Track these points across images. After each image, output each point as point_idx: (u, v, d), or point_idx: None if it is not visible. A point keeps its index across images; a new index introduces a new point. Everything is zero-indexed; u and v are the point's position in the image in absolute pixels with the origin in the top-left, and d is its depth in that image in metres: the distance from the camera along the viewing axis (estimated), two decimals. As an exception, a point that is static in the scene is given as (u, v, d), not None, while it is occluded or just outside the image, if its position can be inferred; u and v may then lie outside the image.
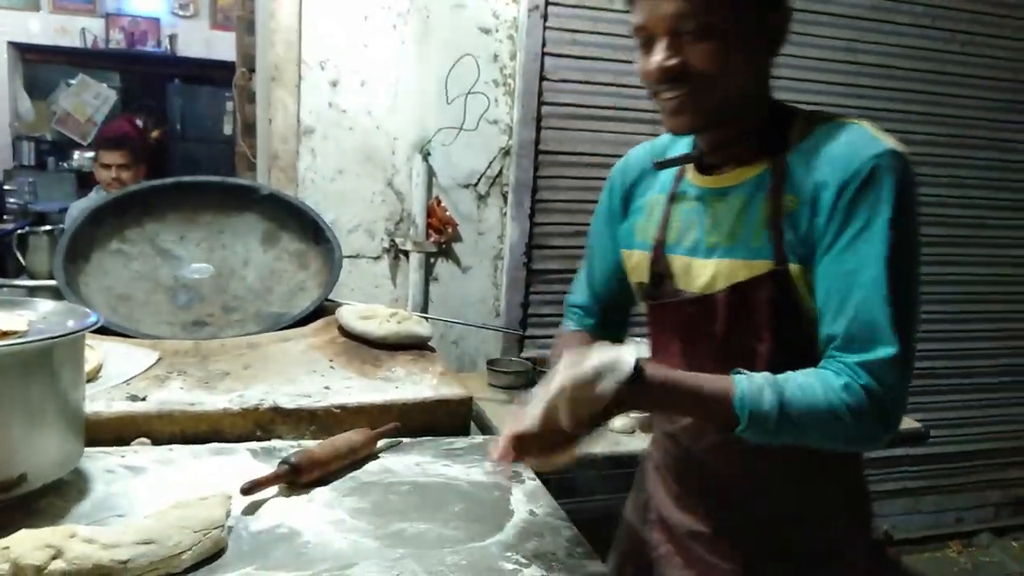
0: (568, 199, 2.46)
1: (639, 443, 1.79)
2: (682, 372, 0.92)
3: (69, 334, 0.91)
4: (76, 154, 7.78)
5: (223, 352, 1.39)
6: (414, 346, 1.54)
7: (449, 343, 2.45)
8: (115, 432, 1.11)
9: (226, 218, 1.85)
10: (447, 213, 2.37)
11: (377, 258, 2.36)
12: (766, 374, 0.89)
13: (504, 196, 2.42)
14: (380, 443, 1.14)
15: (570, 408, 0.80)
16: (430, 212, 2.34)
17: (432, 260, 2.40)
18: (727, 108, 0.94)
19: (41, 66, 7.84)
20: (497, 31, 2.34)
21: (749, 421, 0.85)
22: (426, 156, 2.31)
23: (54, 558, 0.73)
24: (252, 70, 4.08)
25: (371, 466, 1.09)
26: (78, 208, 3.73)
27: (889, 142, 0.90)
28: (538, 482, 1.07)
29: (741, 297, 0.96)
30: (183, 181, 1.84)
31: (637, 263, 1.12)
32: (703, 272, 1.01)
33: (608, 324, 1.23)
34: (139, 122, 7.12)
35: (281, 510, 0.94)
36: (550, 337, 2.51)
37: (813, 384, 0.86)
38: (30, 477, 0.87)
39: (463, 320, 2.31)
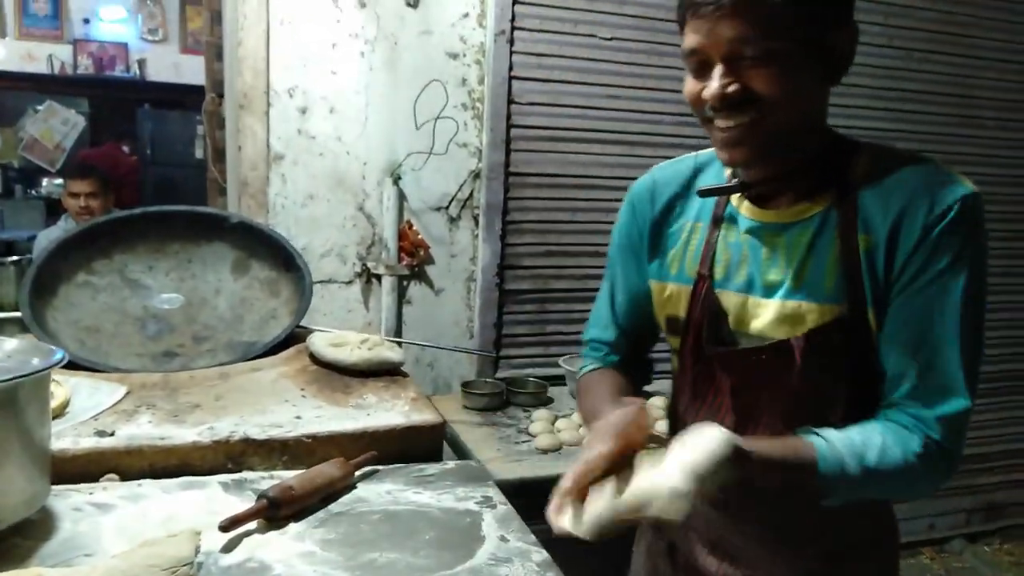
0: (538, 219, 2.49)
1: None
2: (764, 442, 0.86)
3: (33, 373, 0.91)
4: (45, 181, 7.71)
5: (193, 384, 1.39)
6: (386, 372, 1.54)
7: (424, 366, 2.46)
8: (83, 469, 1.10)
9: (195, 247, 1.85)
10: (419, 236, 2.38)
11: (349, 282, 2.36)
12: (842, 436, 0.86)
13: (475, 218, 2.44)
14: (356, 473, 1.14)
15: (697, 496, 0.74)
16: (402, 236, 2.36)
17: (405, 283, 2.41)
18: (787, 138, 0.89)
19: (7, 92, 7.76)
20: (465, 56, 2.37)
21: (834, 492, 0.85)
22: (396, 180, 2.32)
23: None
24: (222, 95, 4.09)
25: (344, 499, 1.09)
26: (47, 237, 3.70)
27: (969, 184, 0.87)
28: (509, 506, 1.08)
29: (818, 343, 0.91)
30: (150, 211, 1.83)
31: (672, 297, 1.05)
32: (762, 313, 0.96)
33: (633, 361, 1.17)
34: (125, 148, 7.07)
35: (252, 544, 0.93)
36: (524, 357, 2.53)
37: (891, 446, 0.86)
38: (5, 514, 0.86)
39: (436, 343, 2.32)
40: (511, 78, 2.39)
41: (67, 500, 1.02)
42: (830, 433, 0.87)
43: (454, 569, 0.89)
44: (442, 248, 2.43)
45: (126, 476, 1.13)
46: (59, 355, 0.97)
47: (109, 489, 1.08)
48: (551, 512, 0.80)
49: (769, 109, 0.85)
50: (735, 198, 1.00)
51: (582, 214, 2.50)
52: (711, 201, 1.02)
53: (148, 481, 1.11)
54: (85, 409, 1.23)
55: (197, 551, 0.86)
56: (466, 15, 2.35)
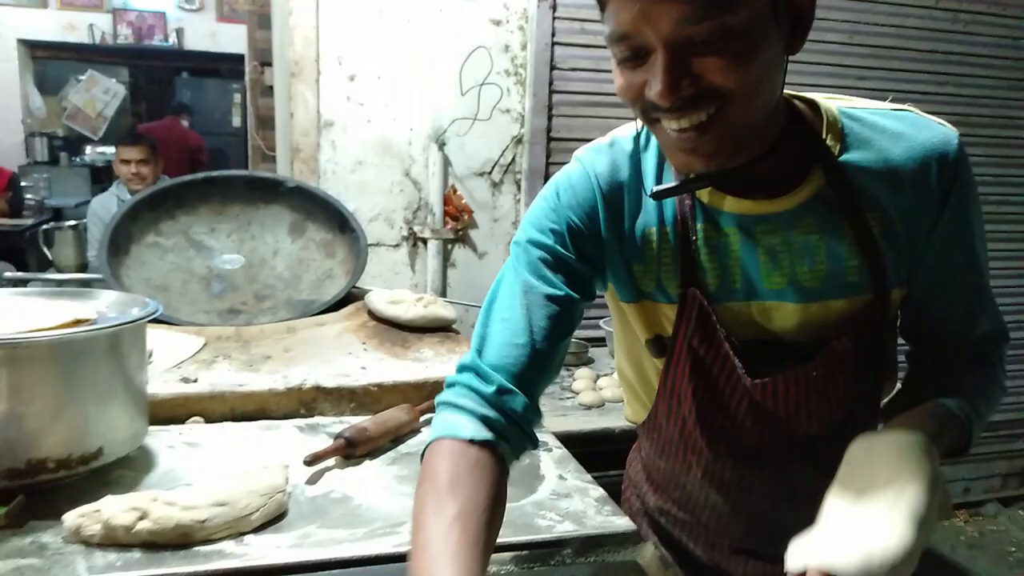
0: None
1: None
2: (926, 425, 0.74)
3: (136, 320, 1.00)
4: (88, 149, 7.89)
5: (263, 337, 1.48)
6: (440, 328, 1.62)
7: (467, 327, 2.52)
8: (170, 412, 1.20)
9: (254, 210, 1.94)
10: (463, 201, 2.44)
11: (396, 246, 2.44)
12: (958, 398, 0.80)
13: (517, 183, 2.49)
14: (420, 419, 1.22)
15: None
16: (446, 200, 2.42)
17: (449, 247, 2.48)
18: (754, 128, 0.73)
19: (50, 62, 7.93)
20: (508, 22, 2.40)
21: (973, 438, 0.80)
22: (442, 146, 2.38)
23: (140, 519, 0.82)
24: (265, 64, 4.16)
25: (411, 439, 1.18)
26: (100, 203, 3.83)
27: (949, 126, 0.80)
28: (564, 450, 1.16)
29: (865, 341, 0.83)
30: (212, 176, 1.92)
31: (654, 317, 0.88)
32: (777, 317, 0.83)
33: (534, 396, 0.82)
34: (184, 123, 7.21)
35: (334, 478, 1.02)
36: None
37: (990, 388, 0.87)
38: (106, 451, 0.96)
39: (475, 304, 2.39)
40: (554, 44, 2.42)
41: (160, 439, 1.12)
42: (944, 399, 0.80)
43: (520, 502, 0.97)
44: (485, 212, 2.49)
45: (210, 419, 1.22)
46: (154, 305, 1.06)
47: (196, 430, 1.17)
48: None
49: (729, 102, 0.68)
50: (706, 194, 0.81)
51: (623, 179, 2.54)
52: (670, 200, 0.82)
53: (229, 424, 1.21)
54: (168, 358, 1.33)
55: (287, 481, 0.94)
56: (510, -19, 2.37)
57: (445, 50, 2.34)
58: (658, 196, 0.79)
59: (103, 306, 1.06)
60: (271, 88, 4.28)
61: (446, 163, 2.40)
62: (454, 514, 0.67)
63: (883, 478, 0.66)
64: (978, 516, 3.33)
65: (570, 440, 1.24)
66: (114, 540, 0.82)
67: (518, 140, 2.46)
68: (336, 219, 1.91)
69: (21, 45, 7.37)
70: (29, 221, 5.50)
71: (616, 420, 1.82)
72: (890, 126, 0.79)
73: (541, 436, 1.20)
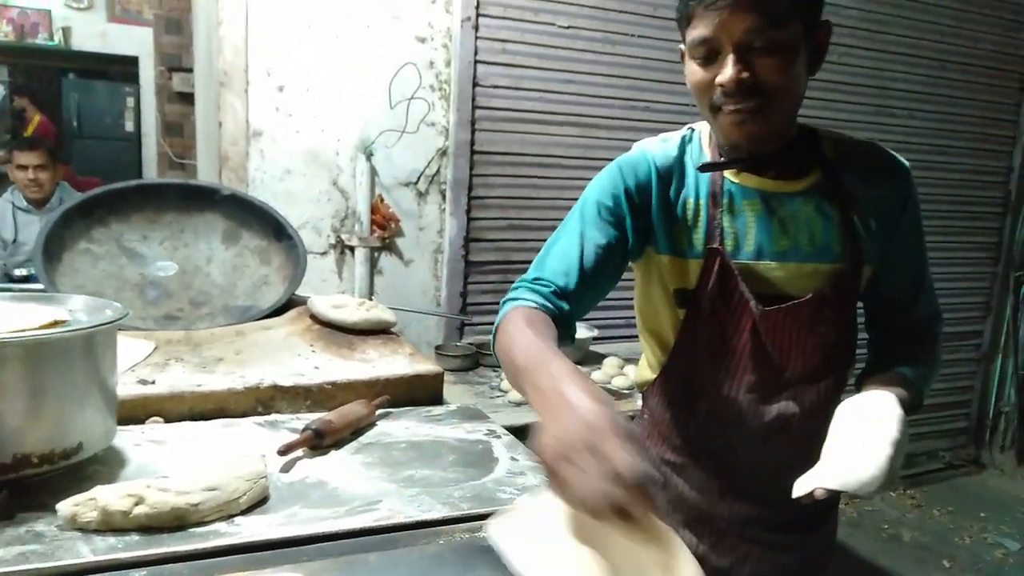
0: (502, 195, 2.67)
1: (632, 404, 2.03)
2: (890, 391, 1.04)
3: (110, 323, 1.04)
4: (-40, 151, 7.36)
5: (213, 340, 1.52)
6: (381, 331, 1.70)
7: (403, 331, 2.62)
8: (130, 412, 1.23)
9: (187, 218, 1.95)
10: (390, 210, 2.53)
11: (324, 253, 2.49)
12: (909, 366, 1.12)
13: (442, 193, 2.60)
14: (376, 412, 1.31)
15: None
16: (374, 209, 2.50)
17: (376, 254, 2.56)
18: (785, 122, 1.03)
19: (-78, 59, 7.37)
20: (432, 39, 2.51)
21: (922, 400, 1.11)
22: (369, 157, 2.46)
23: (137, 504, 0.87)
24: (173, 69, 4.09)
25: (369, 432, 1.26)
26: (-8, 209, 3.64)
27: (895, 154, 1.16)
28: (511, 436, 1.27)
29: (842, 293, 1.11)
30: (145, 183, 1.93)
31: (684, 270, 1.13)
32: (776, 275, 1.10)
33: (576, 314, 1.09)
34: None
35: (305, 467, 1.10)
36: (489, 324, 2.70)
37: (932, 356, 1.20)
38: (85, 447, 0.99)
39: (413, 308, 2.48)
40: (476, 62, 2.55)
41: (125, 438, 1.15)
42: (900, 368, 1.12)
43: (481, 480, 1.08)
44: (411, 221, 2.58)
45: (168, 419, 1.26)
46: (123, 308, 1.10)
47: (158, 429, 1.21)
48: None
49: (774, 96, 0.97)
50: (729, 174, 1.11)
51: (542, 190, 2.70)
52: (706, 179, 1.11)
53: (189, 423, 1.25)
54: (121, 362, 1.35)
55: (266, 468, 1.01)
56: (433, 1, 2.49)
57: (374, 65, 2.42)
58: (703, 169, 1.10)
59: (73, 309, 1.09)
60: (178, 94, 4.22)
61: (373, 173, 2.48)
62: (535, 332, 0.93)
63: (869, 424, 0.97)
64: (856, 498, 3.67)
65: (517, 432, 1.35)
66: (111, 525, 0.87)
67: (443, 152, 2.57)
68: (271, 227, 1.96)
69: None
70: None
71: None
72: (863, 149, 1.14)
73: (489, 426, 1.32)
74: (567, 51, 2.67)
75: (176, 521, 0.89)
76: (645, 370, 1.31)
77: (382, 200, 2.50)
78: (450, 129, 2.56)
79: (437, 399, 1.49)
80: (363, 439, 1.24)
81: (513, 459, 1.17)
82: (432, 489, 1.04)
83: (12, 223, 3.58)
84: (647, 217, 1.12)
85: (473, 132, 2.59)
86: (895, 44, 3.27)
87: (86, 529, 0.87)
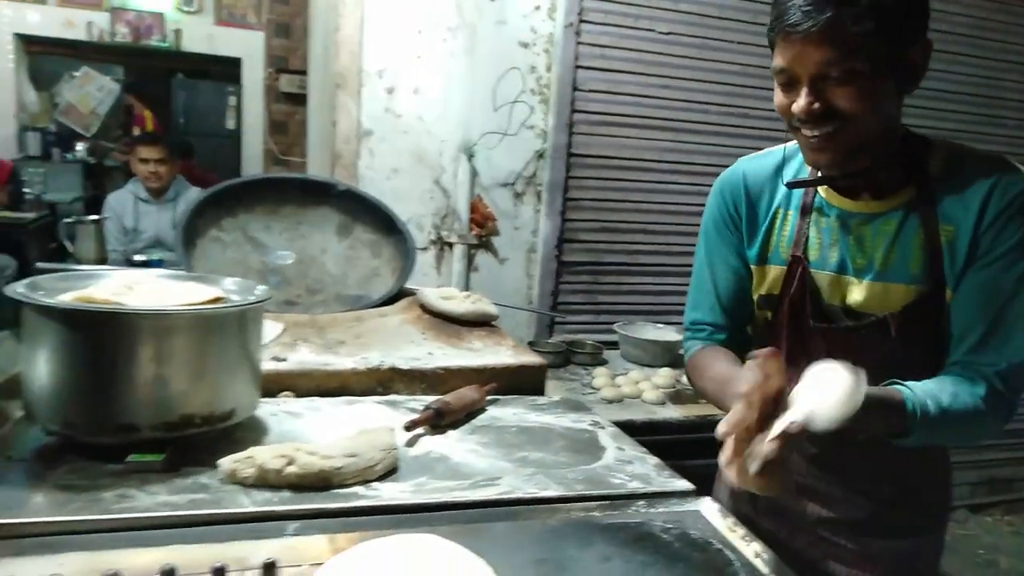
0: (596, 197, 2.72)
1: (670, 412, 2.05)
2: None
3: (260, 301, 1.15)
4: (79, 145, 7.91)
5: (335, 324, 1.63)
6: (484, 323, 1.78)
7: (503, 323, 2.70)
8: (265, 386, 1.34)
9: (304, 211, 2.09)
10: (488, 209, 2.61)
11: (424, 249, 2.60)
12: (922, 385, 1.01)
13: (538, 195, 2.67)
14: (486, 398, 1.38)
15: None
16: (473, 208, 2.59)
17: (473, 252, 2.65)
18: (866, 144, 1.01)
19: (44, 58, 7.94)
20: (535, 45, 2.59)
21: (917, 428, 0.99)
22: (470, 157, 2.55)
23: (288, 464, 0.97)
24: (281, 71, 4.31)
25: (481, 416, 1.34)
26: (116, 199, 3.94)
27: None
28: (616, 428, 1.33)
29: (910, 318, 1.07)
30: (269, 177, 2.07)
31: (769, 277, 1.18)
32: (854, 290, 1.11)
33: (736, 340, 1.25)
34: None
35: (426, 443, 1.18)
36: (577, 323, 2.77)
37: (961, 393, 1.02)
38: (237, 412, 1.10)
39: (508, 304, 2.56)
40: (576, 67, 2.61)
41: (263, 409, 1.26)
42: (910, 383, 1.02)
43: (591, 465, 1.13)
44: (507, 221, 2.66)
45: (298, 394, 1.37)
46: (267, 290, 1.21)
47: (290, 403, 1.32)
48: (723, 464, 0.89)
49: (849, 122, 0.98)
50: (822, 189, 1.14)
51: (634, 194, 2.74)
52: (799, 191, 1.16)
53: (317, 398, 1.36)
54: (256, 340, 1.47)
55: (395, 440, 1.10)
56: (537, 7, 2.56)
57: (478, 69, 2.52)
58: (791, 186, 1.15)
59: (226, 289, 1.21)
60: (284, 94, 4.45)
61: (474, 174, 2.57)
62: (720, 362, 1.18)
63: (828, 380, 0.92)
64: (951, 521, 3.55)
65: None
66: (265, 481, 0.97)
67: (540, 155, 2.64)
68: (382, 221, 2.07)
69: (17, 39, 7.37)
70: (31, 215, 5.56)
71: (635, 413, 2.00)
72: (982, 166, 1.05)
73: (593, 417, 1.38)
74: (665, 56, 2.70)
75: (321, 482, 0.98)
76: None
77: (481, 200, 2.59)
78: (548, 132, 2.63)
79: (539, 390, 1.56)
80: (476, 422, 1.31)
81: (619, 448, 1.23)
82: (546, 470, 1.11)
83: (133, 212, 3.85)
84: (741, 228, 1.21)
85: (570, 135, 2.65)
86: (1008, 52, 3.15)
87: (244, 483, 0.97)
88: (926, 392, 1.01)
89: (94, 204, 6.61)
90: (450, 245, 2.60)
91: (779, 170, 1.18)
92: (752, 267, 1.21)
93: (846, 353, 1.06)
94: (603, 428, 1.33)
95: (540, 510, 0.99)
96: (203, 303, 1.09)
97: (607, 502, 1.02)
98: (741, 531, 0.95)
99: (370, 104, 2.44)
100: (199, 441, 1.07)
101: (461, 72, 2.51)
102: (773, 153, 1.21)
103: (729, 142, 2.74)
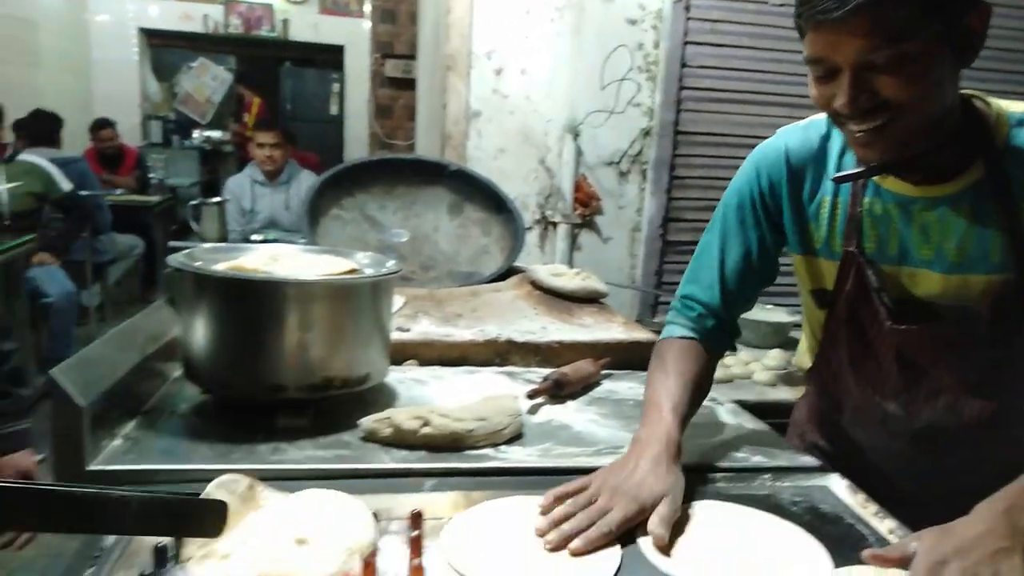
0: (703, 176, 2.68)
1: (782, 394, 2.02)
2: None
3: (392, 273, 1.21)
4: (196, 133, 8.39)
5: (452, 298, 1.69)
6: (593, 300, 1.80)
7: (611, 301, 2.72)
8: (390, 356, 1.41)
9: (418, 191, 2.16)
10: (592, 188, 2.62)
11: (529, 228, 2.63)
12: None
13: (643, 173, 2.65)
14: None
15: None
16: (577, 187, 2.60)
17: (576, 231, 2.66)
18: (921, 132, 0.86)
19: (164, 50, 8.44)
20: (643, 21, 2.56)
21: None
22: (576, 137, 2.56)
23: (424, 425, 1.02)
24: (387, 56, 4.43)
25: (597, 389, 1.36)
26: (235, 182, 4.16)
27: None
28: (735, 405, 1.32)
29: (1000, 311, 0.94)
30: (385, 158, 2.16)
31: (820, 271, 1.06)
32: (923, 283, 0.97)
33: (726, 328, 1.13)
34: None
35: (547, 412, 1.21)
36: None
37: None
38: (371, 377, 1.17)
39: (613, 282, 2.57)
40: (685, 43, 2.57)
41: (392, 376, 1.33)
42: None
43: (711, 439, 1.14)
44: (611, 200, 2.66)
45: (421, 362, 1.43)
46: (397, 263, 1.27)
47: (415, 371, 1.39)
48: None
49: (901, 112, 0.83)
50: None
51: (743, 172, 2.67)
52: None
53: (439, 367, 1.42)
54: (380, 312, 1.55)
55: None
56: (645, -17, 2.53)
57: (586, 48, 2.51)
58: (839, 180, 0.98)
59: (359, 262, 1.28)
60: (390, 79, 4.57)
61: (578, 153, 2.58)
62: (673, 374, 1.04)
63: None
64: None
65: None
66: (402, 441, 1.03)
67: (646, 132, 2.62)
68: (492, 201, 2.12)
69: (140, 33, 7.85)
70: (155, 198, 5.95)
71: (746, 393, 1.97)
72: None
73: (713, 395, 1.37)
74: (777, 29, 2.61)
75: (453, 443, 1.03)
76: (804, 355, 1.24)
77: (585, 179, 2.60)
78: (655, 109, 2.61)
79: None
80: (592, 394, 1.34)
81: (740, 424, 1.22)
82: (668, 441, 1.12)
83: (250, 194, 4.07)
84: (779, 216, 1.07)
85: (678, 112, 2.61)
86: None
87: (382, 442, 1.03)
88: None
89: (210, 188, 7.03)
90: (554, 224, 2.63)
91: (822, 146, 1.02)
92: (796, 257, 1.09)
93: (922, 354, 0.99)
94: (721, 404, 1.33)
95: (665, 479, 1.00)
96: (341, 274, 1.15)
97: (732, 474, 1.03)
98: (873, 507, 0.93)
99: (478, 85, 2.48)
100: (338, 404, 1.14)
101: (568, 51, 2.51)
102: (814, 124, 1.03)
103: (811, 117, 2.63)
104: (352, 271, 1.19)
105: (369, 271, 1.23)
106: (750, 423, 1.23)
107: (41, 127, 4.59)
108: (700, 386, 1.07)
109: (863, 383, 1.08)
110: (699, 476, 1.00)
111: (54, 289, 3.94)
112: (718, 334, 1.12)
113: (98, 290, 4.95)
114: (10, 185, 3.83)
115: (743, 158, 1.10)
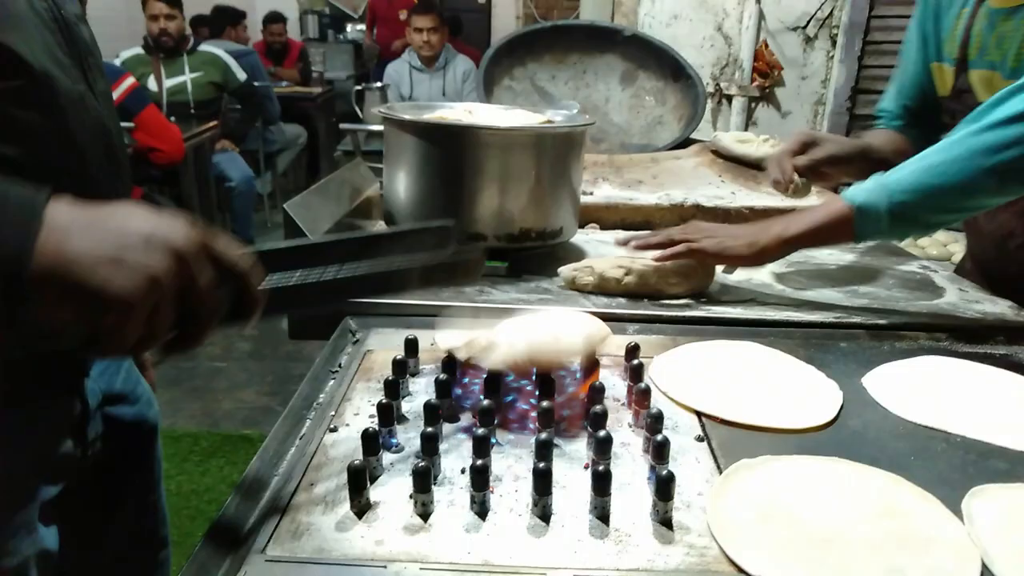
0: (901, 40, 2.40)
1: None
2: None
3: (585, 124, 1.18)
4: (348, 27, 8.54)
5: (631, 164, 1.64)
6: (781, 169, 1.69)
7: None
8: (575, 217, 1.41)
9: (589, 59, 2.08)
10: (773, 57, 2.42)
11: (700, 102, 2.49)
12: None
13: (832, 39, 2.42)
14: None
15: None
16: (757, 56, 2.42)
17: (753, 104, 2.49)
18: None
19: (318, -57, 8.52)
20: None
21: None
22: (758, -1, 2.36)
23: (627, 274, 1.02)
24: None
25: (793, 256, 1.29)
26: (393, 68, 4.22)
27: None
28: (951, 272, 1.22)
29: None
30: (559, 24, 2.08)
31: (943, 76, 1.12)
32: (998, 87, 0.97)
33: (917, 126, 1.22)
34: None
35: (745, 273, 1.17)
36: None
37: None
38: (564, 232, 1.17)
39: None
40: None
41: (576, 238, 1.32)
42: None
43: (933, 301, 1.06)
44: (794, 70, 2.46)
45: (603, 226, 1.42)
46: (589, 117, 1.24)
47: (598, 233, 1.37)
48: None
49: None
50: None
51: (951, 35, 2.37)
52: None
53: (621, 231, 1.39)
54: (561, 176, 1.53)
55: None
56: None
57: None
58: None
59: (552, 116, 1.26)
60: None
61: (760, 17, 2.38)
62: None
63: None
64: None
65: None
66: (602, 288, 1.03)
67: (838, -8, 2.37)
68: (669, 67, 2.00)
69: (293, -75, 7.92)
70: (317, 90, 6.19)
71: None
72: None
73: (920, 261, 1.27)
74: None
75: (654, 292, 1.02)
76: None
77: (766, 46, 2.41)
78: (850, -35, 2.34)
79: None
80: (790, 258, 1.26)
81: (961, 290, 1.13)
82: (881, 301, 1.05)
83: (408, 80, 4.12)
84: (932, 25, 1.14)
85: (876, -32, 2.33)
86: None
87: (582, 290, 1.04)
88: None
89: (363, 80, 7.21)
90: (728, 99, 2.47)
91: None
92: (933, 66, 1.15)
93: None
94: (935, 272, 1.22)
95: (884, 335, 0.94)
96: (540, 124, 1.14)
97: (958, 331, 0.95)
98: None
99: (652, -55, 2.32)
100: (532, 256, 1.16)
101: (753, -99, 2.28)
102: None
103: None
104: (548, 122, 1.17)
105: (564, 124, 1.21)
106: (972, 289, 1.13)
107: (222, 21, 4.84)
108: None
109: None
110: (918, 334, 0.94)
111: (236, 174, 4.25)
112: (909, 131, 1.22)
113: (269, 178, 5.29)
114: (194, 75, 4.09)
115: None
